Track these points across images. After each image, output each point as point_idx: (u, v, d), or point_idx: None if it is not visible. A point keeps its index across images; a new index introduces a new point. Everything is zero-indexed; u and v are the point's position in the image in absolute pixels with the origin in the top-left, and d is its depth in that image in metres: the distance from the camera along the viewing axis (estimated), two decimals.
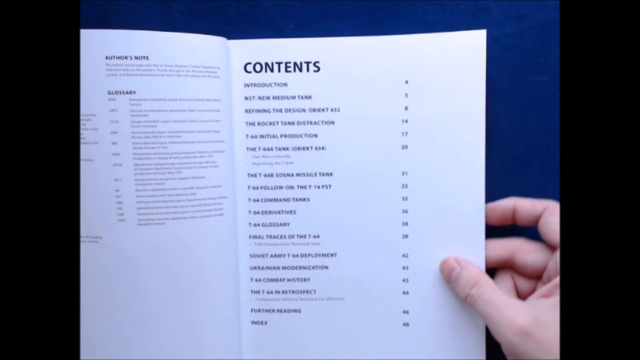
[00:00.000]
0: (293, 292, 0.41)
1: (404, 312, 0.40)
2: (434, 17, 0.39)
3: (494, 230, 0.39)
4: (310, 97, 0.39)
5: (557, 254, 0.35)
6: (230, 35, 0.38)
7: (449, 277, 0.38)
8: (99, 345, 0.39)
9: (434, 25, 0.39)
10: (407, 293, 0.40)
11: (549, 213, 0.36)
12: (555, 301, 0.33)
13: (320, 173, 0.40)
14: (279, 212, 0.40)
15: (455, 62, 0.38)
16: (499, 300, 0.34)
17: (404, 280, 0.40)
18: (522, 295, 0.38)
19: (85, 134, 0.36)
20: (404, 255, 0.40)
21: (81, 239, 0.37)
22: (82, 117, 0.36)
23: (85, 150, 0.37)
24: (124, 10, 0.40)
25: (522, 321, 0.32)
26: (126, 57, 0.36)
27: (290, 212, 0.40)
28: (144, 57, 0.36)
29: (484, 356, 0.40)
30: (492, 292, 0.35)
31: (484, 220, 0.38)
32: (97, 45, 0.36)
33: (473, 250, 0.39)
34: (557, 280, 0.34)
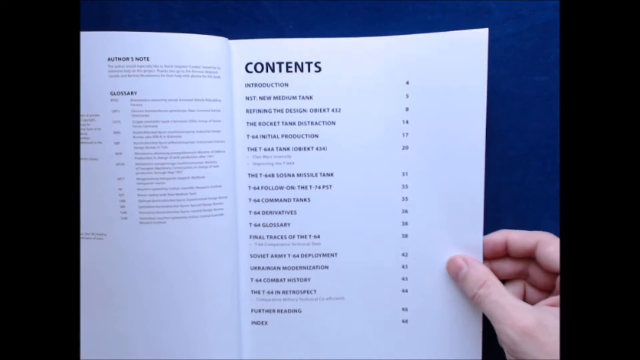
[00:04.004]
0: (293, 292, 0.41)
1: (403, 309, 0.40)
2: (434, 17, 0.39)
3: None
4: (311, 97, 0.39)
5: None
6: (230, 36, 0.38)
7: (456, 275, 0.39)
8: (99, 342, 0.39)
9: (434, 25, 0.39)
10: (406, 291, 0.40)
11: (543, 246, 0.36)
12: None
13: (320, 173, 0.40)
14: (279, 212, 0.40)
15: (457, 62, 0.37)
16: (505, 301, 0.35)
17: (403, 278, 0.40)
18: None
19: (89, 134, 0.37)
20: (403, 254, 0.40)
21: (86, 236, 0.38)
22: (86, 118, 0.37)
23: (89, 150, 0.37)
24: (124, 10, 0.40)
25: (525, 322, 0.33)
26: (127, 59, 0.36)
27: (291, 212, 0.40)
28: (144, 58, 0.36)
29: (480, 355, 0.40)
30: (499, 293, 0.36)
31: (482, 220, 0.39)
32: (99, 48, 0.36)
33: (471, 251, 0.39)
34: None
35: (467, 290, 0.37)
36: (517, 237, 0.38)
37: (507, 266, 0.39)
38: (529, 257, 0.38)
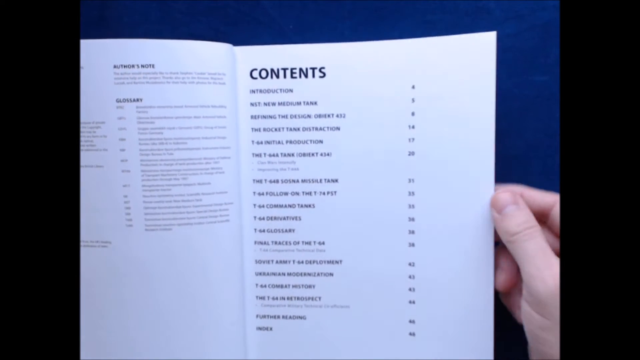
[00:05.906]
0: (298, 298, 0.41)
1: (410, 321, 0.40)
2: (434, 17, 0.39)
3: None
4: (315, 103, 0.39)
5: None
6: (230, 36, 0.39)
7: (501, 209, 0.36)
8: (105, 350, 0.39)
9: (434, 25, 0.39)
10: (414, 302, 0.39)
11: None
12: None
13: (325, 179, 0.39)
14: (284, 218, 0.40)
15: (464, 66, 0.37)
16: (548, 248, 0.34)
17: (410, 289, 0.39)
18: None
19: (95, 141, 0.37)
20: (410, 264, 0.39)
21: (91, 244, 0.38)
22: (91, 125, 0.37)
23: (95, 157, 0.37)
24: (124, 10, 0.40)
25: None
26: (133, 66, 0.37)
27: (296, 218, 0.40)
28: (150, 65, 0.37)
29: None
30: (540, 243, 0.34)
31: (492, 229, 0.38)
32: (105, 55, 0.37)
33: (481, 260, 0.38)
34: None
35: (512, 227, 0.35)
36: (536, 194, 0.37)
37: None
38: (540, 220, 0.36)
